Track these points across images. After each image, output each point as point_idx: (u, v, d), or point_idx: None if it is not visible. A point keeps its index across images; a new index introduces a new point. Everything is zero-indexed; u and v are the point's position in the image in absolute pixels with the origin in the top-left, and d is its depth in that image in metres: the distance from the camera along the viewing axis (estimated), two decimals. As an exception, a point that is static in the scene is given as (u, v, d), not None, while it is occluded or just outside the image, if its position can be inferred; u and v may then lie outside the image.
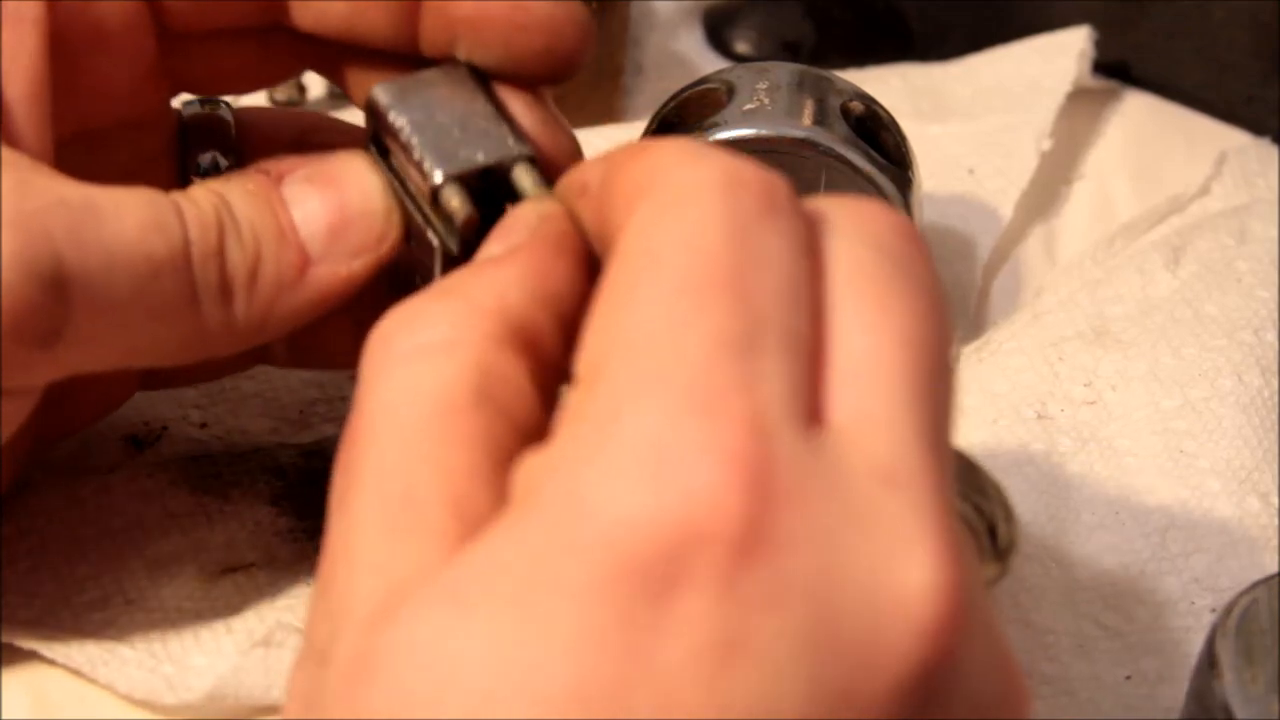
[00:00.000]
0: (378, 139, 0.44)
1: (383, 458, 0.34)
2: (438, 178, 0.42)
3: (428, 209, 0.43)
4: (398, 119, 0.43)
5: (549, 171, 0.43)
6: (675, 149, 0.35)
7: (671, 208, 0.34)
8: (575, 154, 0.44)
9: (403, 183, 0.43)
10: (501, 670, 0.30)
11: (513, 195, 0.42)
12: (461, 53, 0.44)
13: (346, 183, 0.43)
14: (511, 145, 0.42)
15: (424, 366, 0.35)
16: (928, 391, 0.33)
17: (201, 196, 0.41)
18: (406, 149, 0.42)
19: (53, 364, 0.40)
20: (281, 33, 0.45)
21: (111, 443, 0.51)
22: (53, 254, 0.38)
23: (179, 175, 0.47)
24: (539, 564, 0.31)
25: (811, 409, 0.32)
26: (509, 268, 0.37)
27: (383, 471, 0.34)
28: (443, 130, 0.42)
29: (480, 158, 0.42)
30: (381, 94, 0.43)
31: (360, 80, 0.45)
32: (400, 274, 0.45)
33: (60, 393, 0.45)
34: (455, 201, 0.42)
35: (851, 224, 0.35)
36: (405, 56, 0.44)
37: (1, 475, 0.46)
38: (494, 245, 0.39)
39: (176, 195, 0.41)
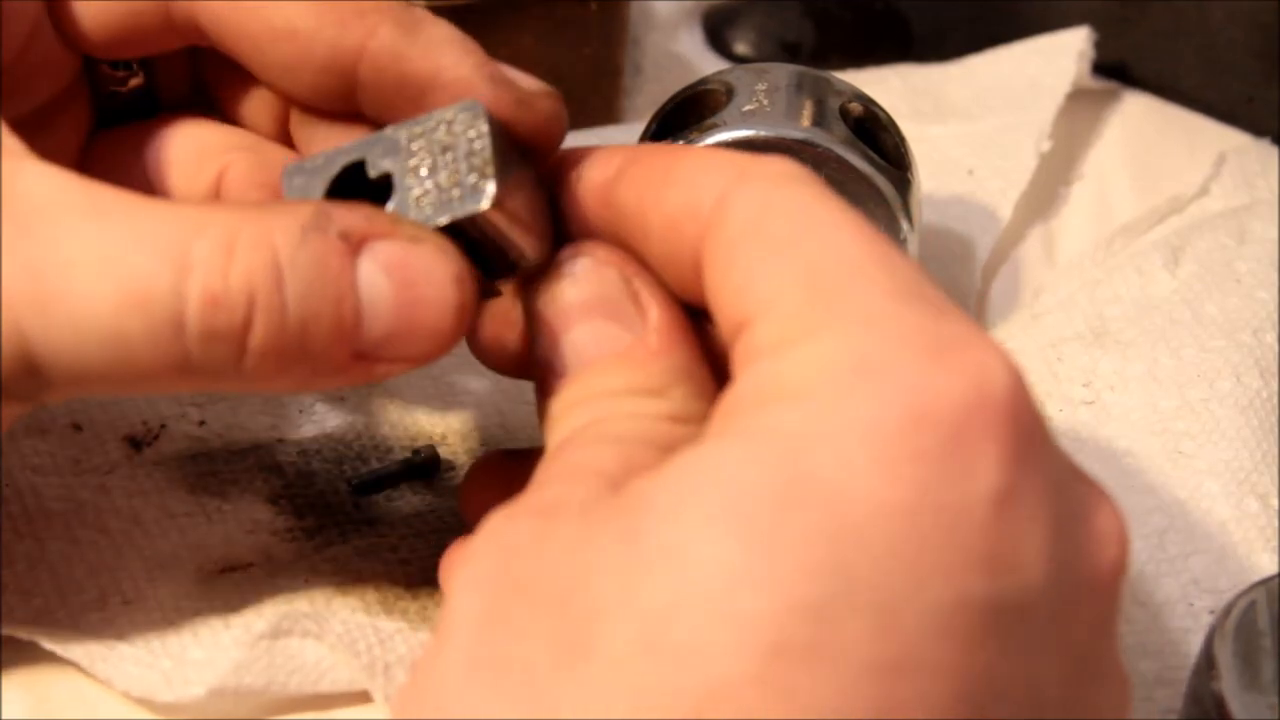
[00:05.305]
0: None
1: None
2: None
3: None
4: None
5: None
6: None
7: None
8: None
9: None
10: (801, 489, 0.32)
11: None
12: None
13: (422, 283, 0.38)
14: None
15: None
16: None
17: (246, 254, 0.37)
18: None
19: (40, 404, 0.40)
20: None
21: (110, 443, 0.51)
22: (20, 336, 0.37)
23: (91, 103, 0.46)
24: (824, 417, 0.33)
25: None
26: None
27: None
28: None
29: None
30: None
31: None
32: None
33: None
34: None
35: None
36: None
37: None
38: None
39: (204, 250, 0.37)
